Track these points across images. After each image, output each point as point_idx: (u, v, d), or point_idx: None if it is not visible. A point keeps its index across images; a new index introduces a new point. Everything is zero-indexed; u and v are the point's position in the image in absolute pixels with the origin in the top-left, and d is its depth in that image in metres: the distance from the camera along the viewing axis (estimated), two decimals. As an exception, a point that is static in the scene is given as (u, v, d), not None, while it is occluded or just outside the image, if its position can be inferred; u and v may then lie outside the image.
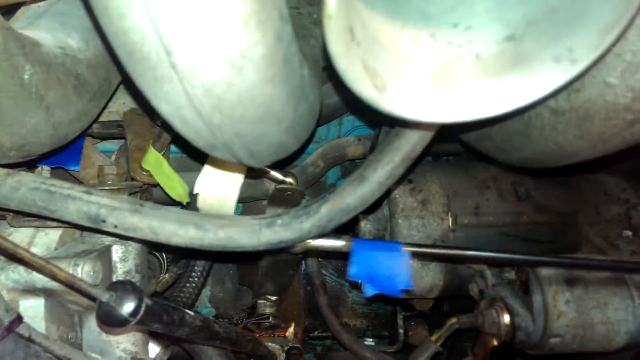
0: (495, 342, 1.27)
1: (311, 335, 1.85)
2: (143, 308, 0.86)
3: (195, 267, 1.58)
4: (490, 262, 1.31)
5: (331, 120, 1.58)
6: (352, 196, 0.91)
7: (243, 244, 0.91)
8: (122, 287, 0.86)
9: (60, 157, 1.21)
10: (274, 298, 1.45)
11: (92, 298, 0.87)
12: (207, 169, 1.28)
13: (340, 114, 1.58)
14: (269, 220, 0.93)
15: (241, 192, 1.29)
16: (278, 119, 0.74)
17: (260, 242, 0.92)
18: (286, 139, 0.81)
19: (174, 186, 1.23)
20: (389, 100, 0.64)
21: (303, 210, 0.93)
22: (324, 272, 1.79)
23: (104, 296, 0.83)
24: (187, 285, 1.53)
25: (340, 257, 1.89)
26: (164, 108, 0.69)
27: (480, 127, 0.93)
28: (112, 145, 1.46)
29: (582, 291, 1.22)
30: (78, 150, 1.28)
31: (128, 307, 0.85)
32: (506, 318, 1.25)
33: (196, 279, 1.56)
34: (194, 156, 1.43)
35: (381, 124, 1.11)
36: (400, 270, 1.01)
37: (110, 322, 0.85)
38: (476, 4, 0.73)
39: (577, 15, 0.61)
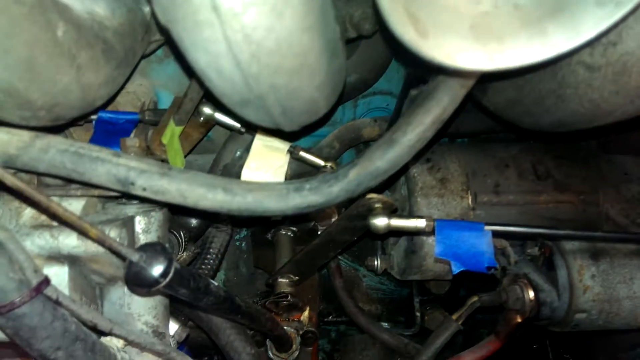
0: (519, 319, 1.25)
1: (325, 320, 1.84)
2: (173, 270, 0.86)
3: (211, 250, 1.57)
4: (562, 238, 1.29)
5: (347, 100, 1.58)
6: (381, 160, 0.90)
7: (271, 207, 0.91)
8: (152, 248, 0.85)
9: (113, 140, 1.22)
10: (295, 278, 1.44)
11: (122, 257, 0.87)
12: (252, 159, 1.30)
13: (355, 95, 1.58)
14: (297, 185, 0.92)
15: None
16: (312, 72, 0.74)
17: (289, 206, 0.91)
18: (318, 96, 0.81)
19: (177, 163, 1.23)
20: (430, 46, 0.64)
21: (331, 175, 0.92)
22: (338, 257, 1.78)
23: (134, 256, 0.82)
24: (203, 267, 1.52)
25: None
26: (202, 59, 0.69)
27: (518, 75, 0.92)
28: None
29: (608, 266, 1.21)
30: (126, 135, 1.29)
31: (158, 269, 0.84)
32: (531, 294, 1.24)
33: (212, 260, 1.56)
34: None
35: (406, 90, 1.11)
36: (485, 248, 1.02)
37: (140, 282, 0.84)
38: (512, -43, 0.72)
39: (621, -44, 0.60)
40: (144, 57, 1.26)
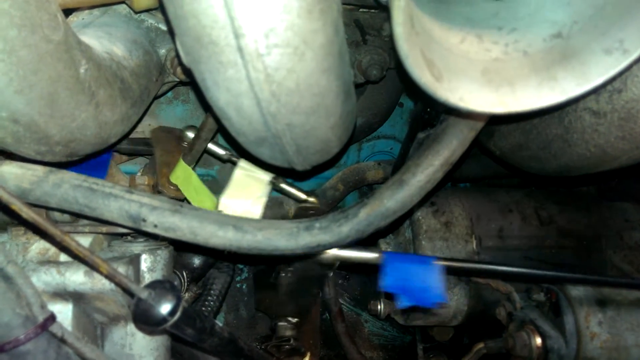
0: (526, 367, 1.23)
1: (326, 367, 1.79)
2: (181, 308, 0.84)
3: (212, 291, 1.55)
4: (530, 279, 1.29)
5: (353, 143, 1.61)
6: (391, 200, 0.91)
7: (281, 246, 0.91)
8: (161, 286, 0.84)
9: (88, 172, 1.21)
10: (294, 320, 1.42)
11: (130, 294, 0.85)
12: (232, 188, 1.29)
13: (360, 138, 1.61)
14: (307, 224, 0.92)
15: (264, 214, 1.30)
16: (328, 112, 0.76)
17: (299, 245, 0.91)
18: (332, 136, 0.83)
19: (202, 200, 1.23)
20: (445, 89, 0.66)
21: (341, 214, 0.93)
22: (340, 300, 1.76)
23: (143, 293, 0.81)
24: (204, 308, 1.50)
25: (358, 285, 1.87)
26: (223, 97, 0.71)
27: (526, 119, 0.94)
28: (134, 166, 1.47)
29: (615, 312, 1.20)
30: (104, 165, 1.28)
31: (166, 307, 0.83)
32: (538, 340, 1.22)
33: (212, 302, 1.54)
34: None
35: (412, 134, 1.13)
36: (434, 283, 1.00)
37: (148, 320, 0.83)
38: (519, 9, 0.77)
39: (625, 9, 0.64)
40: (155, 98, 1.28)
